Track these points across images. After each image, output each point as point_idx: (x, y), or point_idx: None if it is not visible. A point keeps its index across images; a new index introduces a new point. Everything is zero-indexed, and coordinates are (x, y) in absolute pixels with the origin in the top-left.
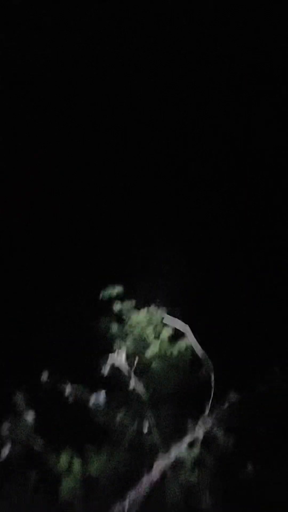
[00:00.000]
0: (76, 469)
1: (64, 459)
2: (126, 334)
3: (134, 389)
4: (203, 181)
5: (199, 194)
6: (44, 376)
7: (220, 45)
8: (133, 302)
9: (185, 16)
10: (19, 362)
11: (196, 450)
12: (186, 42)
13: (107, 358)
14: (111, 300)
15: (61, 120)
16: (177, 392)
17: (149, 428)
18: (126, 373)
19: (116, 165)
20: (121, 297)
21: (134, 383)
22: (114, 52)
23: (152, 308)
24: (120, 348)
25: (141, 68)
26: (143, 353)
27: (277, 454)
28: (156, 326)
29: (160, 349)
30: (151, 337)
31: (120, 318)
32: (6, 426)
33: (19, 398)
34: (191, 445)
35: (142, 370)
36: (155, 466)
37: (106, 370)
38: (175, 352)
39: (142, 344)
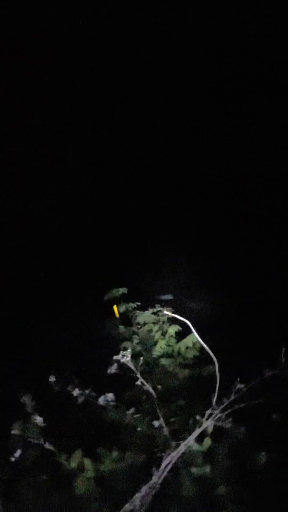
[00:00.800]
0: (88, 468)
1: (75, 459)
2: (133, 334)
3: (142, 388)
4: (203, 182)
5: (199, 196)
6: (52, 378)
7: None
8: (138, 303)
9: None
10: (28, 365)
11: (206, 443)
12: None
13: (114, 358)
14: (116, 302)
15: (60, 120)
16: (184, 388)
17: (160, 424)
18: (133, 373)
19: (118, 171)
20: (126, 298)
21: (141, 382)
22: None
23: (157, 308)
24: (127, 347)
25: (141, 67)
26: (150, 351)
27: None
28: (162, 325)
29: (166, 347)
30: (157, 335)
31: (126, 319)
32: (17, 427)
33: (29, 400)
34: (201, 437)
35: (150, 368)
36: (167, 460)
37: (113, 370)
38: (182, 348)
39: (149, 343)
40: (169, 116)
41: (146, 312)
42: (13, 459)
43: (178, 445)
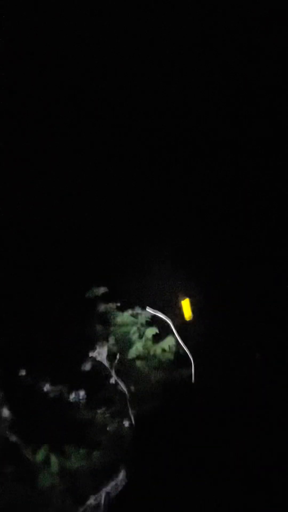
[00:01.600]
0: (53, 463)
1: (41, 453)
2: (109, 334)
3: (115, 387)
4: (189, 182)
5: (184, 195)
6: (23, 372)
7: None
8: (118, 303)
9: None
10: None
11: None
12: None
13: (89, 355)
14: (95, 301)
15: (60, 120)
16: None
17: (130, 424)
18: (107, 372)
19: (102, 168)
20: (105, 298)
21: (115, 381)
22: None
23: (137, 308)
24: (102, 346)
25: (140, 67)
26: (126, 352)
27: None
28: (140, 326)
29: (143, 348)
30: (134, 336)
31: (104, 319)
32: None
33: None
34: None
35: (125, 369)
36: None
37: (87, 367)
38: (158, 351)
39: (125, 344)
40: (166, 117)
41: (125, 313)
42: None
43: None
